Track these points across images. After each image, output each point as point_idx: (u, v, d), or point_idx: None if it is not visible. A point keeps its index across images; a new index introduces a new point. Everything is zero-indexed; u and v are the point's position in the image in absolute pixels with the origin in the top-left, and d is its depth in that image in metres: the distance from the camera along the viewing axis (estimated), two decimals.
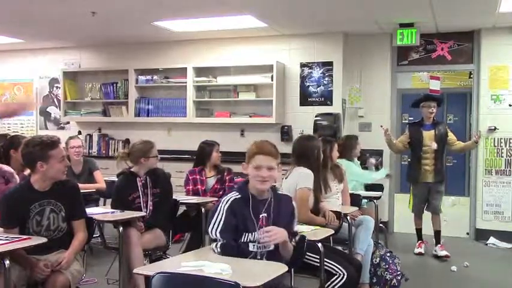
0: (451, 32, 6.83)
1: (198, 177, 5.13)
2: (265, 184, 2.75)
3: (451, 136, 5.93)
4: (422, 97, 6.06)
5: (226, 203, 2.72)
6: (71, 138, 5.68)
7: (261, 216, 2.75)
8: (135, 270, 2.57)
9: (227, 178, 5.14)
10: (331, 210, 3.96)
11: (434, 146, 5.80)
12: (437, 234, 5.87)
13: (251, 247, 2.71)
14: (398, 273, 4.30)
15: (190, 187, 5.11)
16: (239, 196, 2.75)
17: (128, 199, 4.18)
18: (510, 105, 6.49)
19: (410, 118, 11.90)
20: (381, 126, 6.05)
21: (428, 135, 5.85)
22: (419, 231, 6.09)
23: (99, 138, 8.13)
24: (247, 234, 2.71)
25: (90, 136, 8.18)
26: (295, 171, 3.86)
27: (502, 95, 6.51)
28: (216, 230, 2.66)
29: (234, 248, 2.64)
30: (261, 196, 2.79)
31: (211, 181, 5.13)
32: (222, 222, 2.67)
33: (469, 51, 6.86)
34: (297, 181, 3.75)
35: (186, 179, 5.20)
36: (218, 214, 2.69)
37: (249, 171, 2.78)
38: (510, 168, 6.45)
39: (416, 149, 5.89)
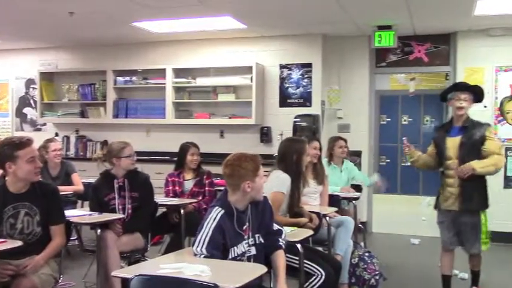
0: (428, 35, 6.93)
1: (176, 179, 5.10)
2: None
3: (489, 145, 4.07)
4: (451, 86, 4.53)
5: (214, 220, 2.66)
6: (49, 141, 5.60)
7: (244, 227, 2.77)
8: (113, 273, 2.54)
9: (207, 182, 5.05)
10: (311, 211, 3.98)
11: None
12: (474, 274, 4.38)
13: (239, 259, 2.73)
14: (377, 273, 4.34)
15: (170, 188, 5.08)
16: (223, 212, 2.71)
17: (104, 200, 4.15)
18: (485, 106, 6.59)
19: (388, 119, 12.04)
20: (403, 139, 4.55)
21: (452, 144, 4.15)
22: (446, 279, 4.31)
23: (76, 140, 8.04)
24: (235, 248, 2.71)
25: (68, 138, 8.08)
26: (273, 174, 3.85)
27: None
28: (202, 247, 2.60)
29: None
30: (245, 207, 2.80)
31: (188, 184, 5.07)
32: (207, 240, 2.61)
33: (445, 53, 6.97)
34: (273, 185, 3.74)
35: (165, 181, 5.16)
36: (204, 231, 2.63)
37: (256, 185, 2.76)
38: None
39: (441, 163, 4.31)
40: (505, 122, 6.59)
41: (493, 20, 6.19)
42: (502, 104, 6.60)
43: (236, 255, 2.72)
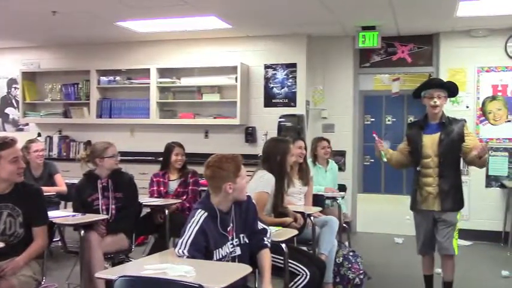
0: (411, 35, 6.99)
1: (161, 179, 5.08)
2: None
3: (470, 141, 3.98)
4: (423, 83, 4.25)
5: (196, 223, 2.65)
6: (31, 141, 5.54)
7: (228, 229, 2.77)
8: (96, 275, 2.52)
9: (191, 181, 5.01)
10: (295, 211, 4.00)
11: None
12: (447, 286, 4.13)
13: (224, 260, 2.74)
14: (361, 272, 4.37)
15: (155, 188, 5.06)
16: (206, 214, 2.70)
17: (87, 200, 4.12)
18: (467, 106, 6.68)
19: (372, 119, 12.14)
20: (374, 134, 4.29)
21: (429, 142, 4.01)
22: (428, 279, 4.28)
23: (59, 140, 7.95)
24: (219, 250, 2.71)
25: (50, 138, 7.99)
26: (257, 174, 3.85)
27: (459, 97, 6.65)
28: (184, 249, 2.60)
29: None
30: (228, 209, 2.80)
31: (173, 184, 5.03)
32: (189, 242, 2.60)
33: (428, 54, 7.03)
34: (257, 185, 3.74)
35: (150, 181, 5.13)
36: (187, 234, 2.63)
37: (238, 186, 2.75)
38: (467, 167, 6.60)
39: (415, 161, 4.12)
40: (486, 122, 6.68)
41: (475, 21, 6.27)
42: (483, 104, 6.68)
43: (221, 256, 2.71)
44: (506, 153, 6.60)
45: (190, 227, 2.65)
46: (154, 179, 5.09)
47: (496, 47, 6.62)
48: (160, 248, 4.47)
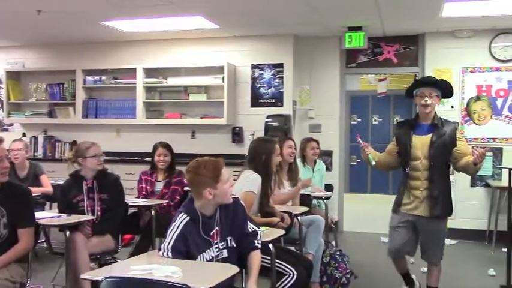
0: (397, 36, 7.04)
1: (149, 178, 5.05)
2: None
3: (462, 146, 3.81)
4: (416, 81, 4.13)
5: (177, 228, 2.64)
6: (14, 141, 5.50)
7: (212, 233, 2.74)
8: (82, 276, 2.51)
9: (174, 180, 4.96)
10: (282, 211, 4.00)
11: None
12: None
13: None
14: (348, 271, 4.40)
15: (143, 186, 5.03)
16: (188, 218, 2.69)
17: (72, 201, 4.08)
18: (453, 106, 6.74)
19: (358, 119, 12.18)
20: (358, 138, 4.11)
21: (419, 143, 3.81)
22: (405, 276, 4.25)
23: (44, 141, 7.89)
24: (203, 254, 2.69)
25: (35, 138, 7.92)
26: (243, 174, 3.84)
27: None
28: (167, 253, 2.61)
29: None
30: (212, 212, 2.77)
31: (159, 185, 5.01)
32: (170, 247, 2.61)
33: (414, 55, 7.09)
34: (243, 185, 3.73)
35: (139, 178, 5.10)
36: (167, 238, 2.63)
37: (219, 191, 2.71)
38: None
39: (404, 163, 3.92)
40: (471, 122, 6.75)
41: (460, 22, 6.33)
42: (468, 104, 6.75)
43: (205, 261, 2.69)
44: (491, 153, 6.67)
45: (171, 232, 2.64)
46: (142, 177, 5.07)
47: (481, 47, 6.69)
48: (144, 248, 4.47)
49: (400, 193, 3.94)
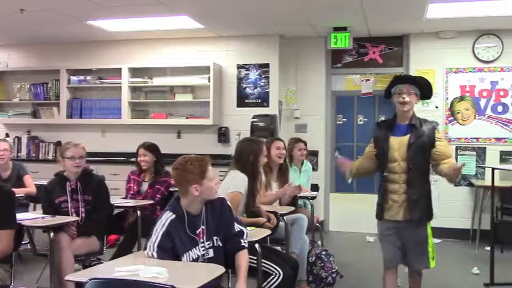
0: (382, 37, 7.09)
1: (136, 178, 5.04)
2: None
3: (441, 147, 3.57)
4: (393, 79, 3.72)
5: (163, 226, 2.66)
6: None
7: (197, 231, 2.75)
8: (66, 277, 2.48)
9: (159, 180, 4.95)
10: (268, 211, 4.01)
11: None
12: None
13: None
14: (334, 270, 4.41)
15: (131, 185, 5.01)
16: (174, 216, 2.70)
17: (55, 202, 4.04)
18: (437, 107, 6.81)
19: (344, 119, 12.23)
20: (336, 154, 4.01)
21: (397, 144, 3.56)
22: None
23: (28, 141, 7.80)
24: (190, 252, 2.70)
25: (19, 139, 7.83)
26: (230, 174, 3.85)
27: None
28: (152, 251, 2.62)
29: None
30: (198, 211, 2.78)
31: (145, 185, 4.99)
32: (156, 245, 2.62)
33: (398, 55, 7.14)
34: (230, 185, 3.74)
35: (127, 178, 5.09)
36: (153, 236, 2.64)
37: (205, 187, 2.73)
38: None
39: (381, 165, 3.69)
40: (455, 122, 6.81)
41: (443, 23, 6.39)
42: (452, 104, 6.82)
43: (191, 259, 2.70)
44: (474, 153, 6.74)
45: (157, 230, 2.66)
46: (131, 177, 5.07)
47: (464, 48, 6.76)
48: (127, 248, 4.45)
49: (379, 198, 3.70)
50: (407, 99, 3.51)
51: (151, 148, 5.04)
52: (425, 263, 3.66)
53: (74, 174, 4.08)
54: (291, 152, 5.51)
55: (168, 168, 5.24)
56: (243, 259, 2.86)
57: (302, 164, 5.60)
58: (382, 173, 3.66)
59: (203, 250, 2.75)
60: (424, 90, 3.64)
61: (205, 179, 2.73)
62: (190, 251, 2.70)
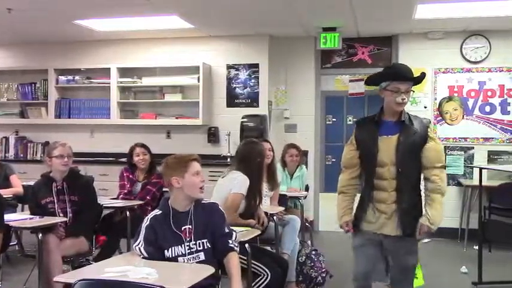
0: (371, 37, 7.12)
1: (130, 176, 4.99)
2: (204, 191, 2.83)
3: (430, 153, 3.05)
4: (388, 72, 3.15)
5: (147, 220, 2.76)
6: None
7: (183, 228, 2.77)
8: (55, 279, 2.47)
9: (151, 182, 4.91)
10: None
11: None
12: None
13: (180, 261, 2.72)
14: (324, 270, 4.43)
15: (124, 182, 4.98)
16: (160, 212, 2.80)
17: (40, 203, 4.01)
18: (425, 107, 6.85)
19: (334, 119, 12.27)
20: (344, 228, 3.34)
21: (385, 145, 3.05)
22: None
23: (16, 141, 7.74)
24: (174, 248, 2.72)
25: (7, 139, 7.77)
26: (232, 174, 3.83)
27: (417, 97, 6.85)
28: (138, 244, 2.70)
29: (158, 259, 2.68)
30: (184, 208, 2.81)
31: (138, 186, 4.96)
32: (142, 239, 2.70)
33: (387, 55, 7.18)
34: (232, 186, 3.73)
35: (120, 174, 5.04)
36: (139, 232, 2.73)
37: (187, 181, 2.77)
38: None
39: (367, 170, 3.15)
40: (443, 122, 6.86)
41: (432, 24, 6.43)
42: (440, 104, 6.87)
43: (175, 255, 2.71)
44: (462, 152, 6.79)
45: (142, 225, 2.75)
46: (124, 173, 5.02)
47: (452, 48, 6.81)
48: (111, 248, 4.43)
49: (360, 207, 3.17)
50: (407, 100, 3.04)
51: (147, 147, 5.06)
52: (411, 281, 3.17)
53: (61, 175, 4.05)
54: (284, 158, 5.53)
55: (159, 168, 5.25)
56: (234, 262, 2.84)
57: (296, 169, 5.58)
58: (367, 178, 3.13)
59: (188, 250, 2.76)
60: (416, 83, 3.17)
61: (187, 172, 2.79)
62: (175, 247, 2.73)
